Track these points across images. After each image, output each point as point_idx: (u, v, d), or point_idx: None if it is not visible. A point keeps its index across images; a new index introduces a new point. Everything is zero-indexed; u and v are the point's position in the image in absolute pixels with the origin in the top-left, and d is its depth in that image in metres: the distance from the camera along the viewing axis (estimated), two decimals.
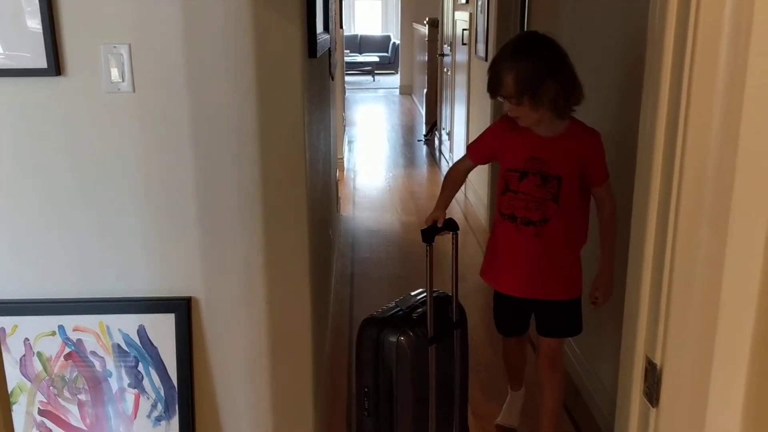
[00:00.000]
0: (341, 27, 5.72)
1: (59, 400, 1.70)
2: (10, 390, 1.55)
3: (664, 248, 0.83)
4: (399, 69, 11.61)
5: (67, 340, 1.66)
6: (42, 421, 1.70)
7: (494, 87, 1.87)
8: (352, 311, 3.29)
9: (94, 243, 1.63)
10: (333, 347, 2.78)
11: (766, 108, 0.68)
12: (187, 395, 1.69)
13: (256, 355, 1.71)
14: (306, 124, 1.66)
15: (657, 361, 0.85)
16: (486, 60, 4.23)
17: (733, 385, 0.73)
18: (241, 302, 1.68)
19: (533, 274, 1.97)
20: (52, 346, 1.67)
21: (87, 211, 1.61)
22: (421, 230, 1.93)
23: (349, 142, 7.28)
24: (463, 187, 5.17)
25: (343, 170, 5.91)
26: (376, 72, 12.83)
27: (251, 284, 1.67)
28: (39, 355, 1.67)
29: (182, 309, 1.66)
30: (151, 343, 1.67)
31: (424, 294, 1.94)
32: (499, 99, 1.89)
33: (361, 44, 13.61)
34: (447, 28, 6.18)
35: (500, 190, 1.98)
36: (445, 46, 6.25)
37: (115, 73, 1.52)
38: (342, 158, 5.94)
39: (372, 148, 7.36)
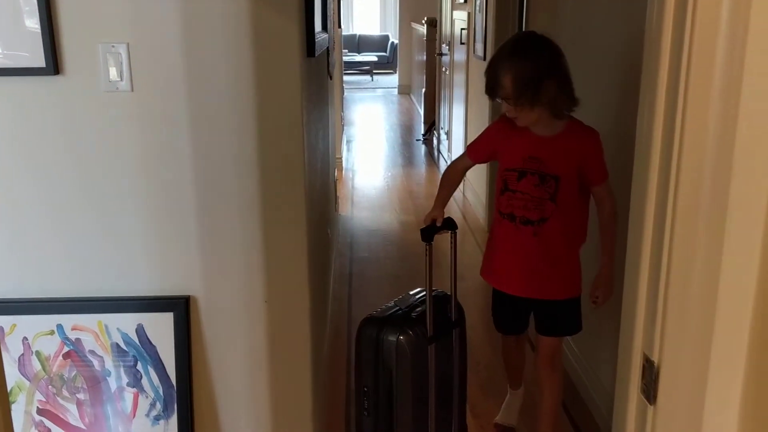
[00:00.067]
0: (339, 26, 5.72)
1: (58, 399, 1.70)
2: (8, 389, 1.55)
3: (661, 246, 0.84)
4: (397, 68, 11.61)
5: (65, 339, 1.66)
6: (41, 420, 1.70)
7: (492, 88, 1.87)
8: (350, 311, 3.29)
9: (92, 242, 1.63)
10: (332, 347, 2.78)
11: (763, 108, 0.69)
12: (185, 394, 1.69)
13: (255, 354, 1.72)
14: (304, 123, 1.66)
15: (654, 358, 0.85)
16: (484, 59, 4.23)
17: (731, 383, 0.73)
18: (240, 301, 1.68)
19: (532, 274, 1.98)
20: (50, 345, 1.67)
21: (85, 210, 1.61)
22: (421, 229, 1.93)
23: (348, 141, 7.28)
24: (461, 187, 5.18)
25: (342, 170, 5.91)
26: (374, 71, 12.83)
27: (250, 283, 1.67)
28: (38, 354, 1.67)
29: (181, 308, 1.66)
30: (150, 342, 1.67)
31: (423, 293, 1.94)
32: (498, 101, 1.89)
33: (359, 44, 13.61)
34: (445, 28, 6.19)
35: (499, 190, 1.98)
36: (444, 45, 6.26)
37: (113, 73, 1.52)
38: (340, 158, 5.94)
39: (370, 147, 7.36)
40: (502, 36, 3.83)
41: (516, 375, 2.29)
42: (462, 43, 5.14)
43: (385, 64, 13.09)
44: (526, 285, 2.00)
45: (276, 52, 1.54)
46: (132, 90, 1.54)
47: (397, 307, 1.92)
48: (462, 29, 5.15)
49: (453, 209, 4.76)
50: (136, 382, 1.69)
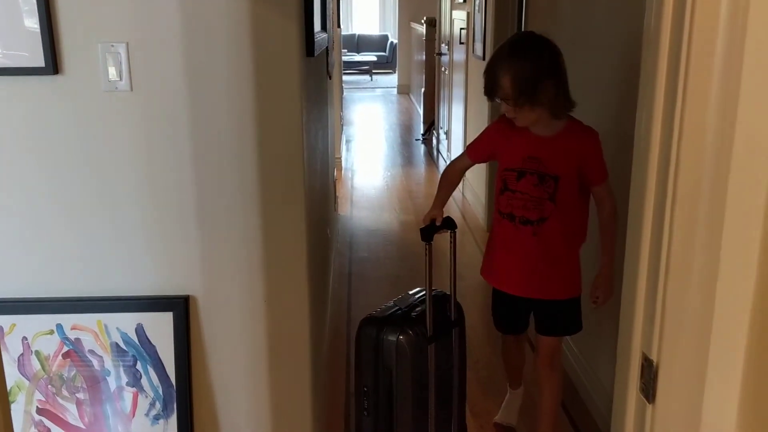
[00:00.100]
0: (339, 26, 5.72)
1: (57, 398, 1.70)
2: (8, 389, 1.55)
3: (659, 246, 0.84)
4: (397, 68, 11.61)
5: (65, 338, 1.66)
6: (40, 419, 1.70)
7: (491, 89, 1.87)
8: (350, 311, 3.29)
9: (91, 242, 1.63)
10: (331, 346, 2.78)
11: (761, 107, 0.69)
12: (185, 394, 1.69)
13: (255, 353, 1.72)
14: (304, 122, 1.66)
15: (653, 357, 0.85)
16: (483, 59, 4.23)
17: (729, 381, 0.74)
18: (240, 301, 1.68)
19: (531, 274, 1.98)
20: (50, 345, 1.67)
21: (84, 210, 1.61)
22: (420, 229, 1.93)
23: (347, 141, 7.29)
24: (460, 187, 5.19)
25: (341, 169, 5.92)
26: (373, 71, 12.83)
27: (249, 283, 1.67)
28: (37, 353, 1.67)
29: (180, 307, 1.66)
30: (150, 342, 1.67)
31: (423, 293, 1.95)
32: (497, 101, 1.89)
33: (358, 43, 13.61)
34: (445, 28, 6.19)
35: (498, 190, 1.98)
36: (443, 45, 6.26)
37: (112, 72, 1.52)
38: (340, 157, 5.94)
39: (370, 147, 7.37)
40: (501, 36, 3.83)
41: (515, 374, 2.29)
42: (461, 43, 5.14)
43: (385, 64, 13.10)
44: (525, 285, 2.00)
45: (275, 52, 1.55)
46: (131, 90, 1.54)
47: (397, 307, 1.92)
48: (461, 29, 5.15)
49: (452, 209, 4.76)
50: (135, 381, 1.69)
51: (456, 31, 5.39)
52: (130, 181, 1.60)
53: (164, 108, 1.56)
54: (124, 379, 1.69)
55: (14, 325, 1.65)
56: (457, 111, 5.41)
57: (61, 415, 1.70)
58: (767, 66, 0.68)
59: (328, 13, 2.73)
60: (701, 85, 0.75)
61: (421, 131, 7.52)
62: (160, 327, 1.66)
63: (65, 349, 1.67)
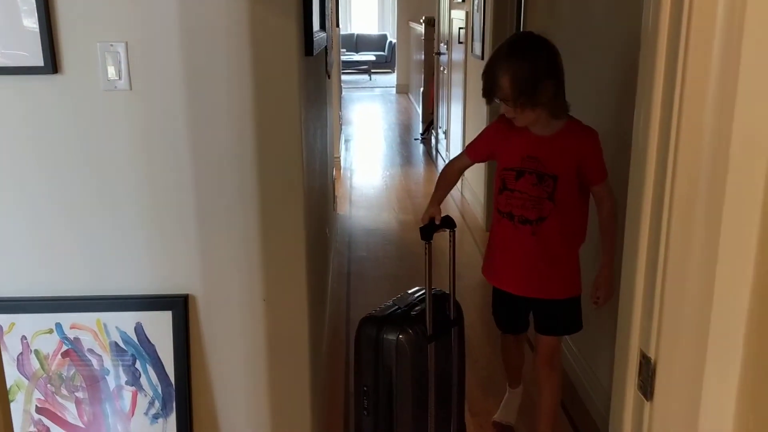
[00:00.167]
0: (338, 26, 5.72)
1: (57, 397, 1.70)
2: (7, 388, 1.55)
3: (657, 243, 0.84)
4: (395, 68, 11.61)
5: (64, 338, 1.67)
6: (39, 418, 1.70)
7: (490, 89, 1.86)
8: (348, 310, 3.29)
9: (90, 241, 1.63)
10: (330, 346, 2.78)
11: (759, 107, 0.69)
12: (184, 393, 1.70)
13: (254, 352, 1.72)
14: (303, 122, 1.66)
15: (651, 355, 0.86)
16: (482, 59, 4.23)
17: (727, 378, 0.74)
18: (239, 300, 1.68)
19: (531, 273, 1.98)
20: (49, 344, 1.67)
21: (84, 208, 1.61)
22: (420, 228, 1.94)
23: (346, 140, 7.29)
24: (459, 186, 5.19)
25: (340, 169, 5.92)
26: (372, 71, 12.83)
27: (248, 282, 1.67)
28: (36, 352, 1.67)
29: (179, 306, 1.66)
30: (149, 341, 1.67)
31: (422, 292, 1.95)
32: (496, 101, 1.89)
33: (357, 43, 13.61)
34: (443, 27, 6.19)
35: (497, 189, 1.98)
36: (442, 44, 6.26)
37: (111, 71, 1.53)
38: (339, 157, 5.94)
39: (369, 146, 7.37)
40: (500, 35, 3.84)
41: (515, 374, 2.29)
42: (460, 43, 5.15)
43: (384, 64, 13.09)
44: (525, 284, 2.00)
45: (274, 51, 1.55)
46: (130, 89, 1.54)
47: (396, 306, 1.92)
48: (460, 28, 5.15)
49: (451, 208, 4.77)
50: (134, 380, 1.69)
51: (455, 30, 5.40)
52: (129, 180, 1.60)
53: (163, 107, 1.56)
54: (123, 378, 1.69)
55: (13, 324, 1.65)
56: (456, 110, 5.41)
57: (60, 414, 1.70)
58: (764, 65, 0.68)
59: (326, 12, 2.73)
60: (699, 84, 0.76)
61: (420, 131, 7.52)
62: (160, 326, 1.67)
63: (64, 348, 1.67)
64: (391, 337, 1.82)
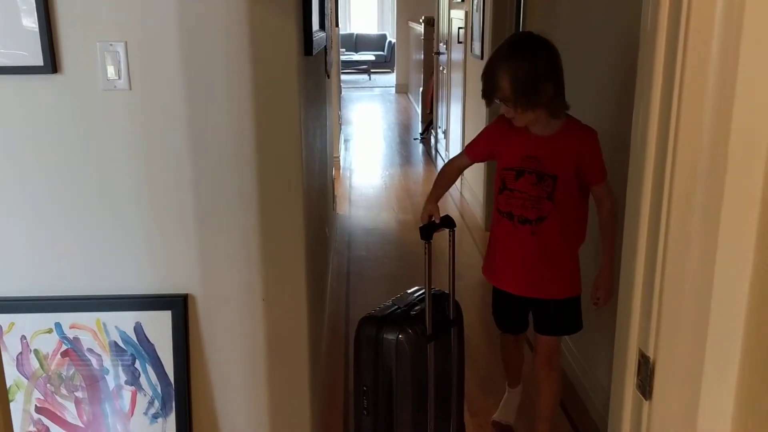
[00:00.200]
0: (337, 25, 5.72)
1: (56, 397, 1.70)
2: (7, 387, 1.55)
3: (656, 243, 0.84)
4: (395, 67, 11.61)
5: (64, 337, 1.67)
6: (39, 418, 1.70)
7: (490, 90, 1.86)
8: (348, 310, 3.29)
9: (90, 240, 1.63)
10: (329, 346, 2.79)
11: (756, 107, 0.69)
12: (183, 392, 1.70)
13: (253, 352, 1.72)
14: (302, 121, 1.66)
15: (650, 354, 0.86)
16: (482, 58, 4.23)
17: (725, 378, 0.74)
18: (238, 299, 1.68)
19: (530, 273, 1.98)
20: (49, 344, 1.67)
21: (83, 208, 1.61)
22: (420, 228, 1.94)
23: (346, 140, 7.29)
24: (459, 186, 5.19)
25: (340, 168, 5.92)
26: (372, 70, 12.83)
27: (248, 281, 1.67)
28: (36, 352, 1.67)
29: (179, 306, 1.66)
30: (148, 341, 1.68)
31: (421, 292, 1.95)
32: (496, 102, 1.88)
33: (357, 43, 13.61)
34: (443, 27, 6.19)
35: (497, 189, 1.98)
36: (441, 44, 6.26)
37: (111, 71, 1.53)
38: (338, 156, 5.94)
39: (368, 146, 7.37)
40: (499, 35, 3.84)
41: (514, 373, 2.29)
42: (459, 42, 5.15)
43: (383, 63, 13.09)
44: (524, 284, 2.01)
45: (274, 51, 1.55)
46: (130, 88, 1.54)
47: (396, 306, 1.92)
48: (459, 28, 5.15)
49: (451, 208, 4.77)
50: (134, 380, 1.69)
51: (454, 30, 5.40)
52: (129, 179, 1.60)
53: (163, 107, 1.56)
54: (123, 378, 1.69)
55: (13, 323, 1.65)
56: (456, 110, 5.42)
57: (59, 414, 1.71)
58: (762, 66, 0.68)
59: (326, 12, 2.73)
60: (697, 84, 0.76)
61: (420, 130, 7.52)
62: (159, 325, 1.67)
63: (64, 347, 1.67)
64: (391, 336, 1.82)
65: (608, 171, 1.92)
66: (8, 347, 1.66)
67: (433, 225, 1.94)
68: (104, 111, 1.56)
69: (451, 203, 4.92)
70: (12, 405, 1.69)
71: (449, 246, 1.98)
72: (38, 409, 1.70)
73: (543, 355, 2.08)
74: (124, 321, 1.66)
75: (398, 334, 1.82)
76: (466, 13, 4.87)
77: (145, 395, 1.70)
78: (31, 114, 1.56)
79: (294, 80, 1.58)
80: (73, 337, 1.67)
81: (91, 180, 1.60)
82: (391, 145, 7.31)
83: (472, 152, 2.09)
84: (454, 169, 2.15)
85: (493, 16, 4.04)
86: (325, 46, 2.80)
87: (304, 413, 1.80)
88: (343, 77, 9.54)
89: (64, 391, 1.70)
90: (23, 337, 1.66)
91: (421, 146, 7.14)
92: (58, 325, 1.66)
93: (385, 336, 1.83)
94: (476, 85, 2.03)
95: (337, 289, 3.47)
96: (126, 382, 1.69)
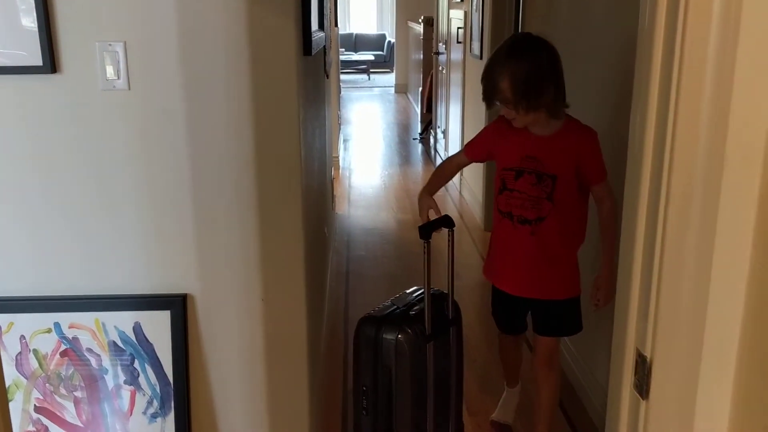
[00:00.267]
0: (336, 25, 5.72)
1: (55, 397, 1.70)
2: (6, 387, 1.55)
3: (653, 243, 0.84)
4: (394, 67, 11.61)
5: (63, 337, 1.67)
6: (38, 418, 1.71)
7: (490, 92, 1.85)
8: (347, 309, 3.29)
9: (89, 240, 1.63)
10: (328, 346, 2.79)
11: (754, 107, 0.70)
12: (182, 392, 1.70)
13: (252, 351, 1.72)
14: (301, 121, 1.66)
15: (647, 353, 0.86)
16: (481, 58, 4.24)
17: (722, 377, 0.74)
18: (237, 299, 1.68)
19: (530, 273, 1.98)
20: (48, 344, 1.67)
21: (82, 208, 1.61)
22: (419, 227, 1.94)
23: (345, 140, 7.29)
24: (458, 186, 5.19)
25: (339, 168, 5.92)
26: (371, 70, 12.83)
27: (247, 281, 1.67)
28: (35, 352, 1.67)
29: (178, 306, 1.66)
30: (147, 340, 1.68)
31: (420, 291, 1.95)
32: (496, 104, 1.88)
33: (356, 43, 13.61)
34: (442, 27, 6.19)
35: (497, 189, 1.98)
36: (441, 44, 6.26)
37: (110, 71, 1.53)
38: (337, 156, 5.94)
39: (367, 146, 7.37)
40: (498, 35, 3.84)
41: (513, 373, 2.29)
42: (459, 42, 5.15)
43: (382, 63, 13.10)
44: (524, 284, 2.00)
45: (273, 51, 1.55)
46: (129, 88, 1.55)
47: (395, 306, 1.92)
48: (459, 28, 5.15)
49: (450, 208, 4.77)
50: (133, 379, 1.70)
51: (453, 30, 5.40)
52: (127, 179, 1.60)
53: (162, 107, 1.56)
54: (122, 378, 1.69)
55: (12, 323, 1.65)
56: (455, 110, 5.42)
57: (58, 414, 1.71)
58: (759, 65, 0.69)
59: (325, 12, 2.73)
60: (694, 84, 0.76)
61: (419, 130, 7.52)
62: (158, 325, 1.67)
63: (63, 347, 1.67)
64: (390, 336, 1.83)
65: (608, 171, 1.92)
66: (7, 347, 1.66)
67: (433, 223, 1.94)
68: (103, 111, 1.56)
69: (450, 203, 4.92)
70: (11, 404, 1.69)
71: (448, 246, 1.99)
72: (37, 409, 1.70)
73: (542, 355, 2.08)
74: (123, 321, 1.66)
75: (397, 334, 1.82)
76: (466, 13, 4.88)
77: (144, 395, 1.70)
78: (30, 114, 1.56)
79: (293, 80, 1.58)
80: (72, 337, 1.67)
81: (90, 180, 1.60)
82: (390, 145, 7.32)
83: (470, 151, 2.09)
84: (453, 166, 2.15)
85: (492, 16, 4.04)
86: (325, 46, 2.80)
87: (302, 413, 1.80)
88: (343, 77, 9.55)
89: (63, 390, 1.70)
90: (22, 337, 1.66)
91: (420, 146, 7.15)
92: (57, 325, 1.66)
93: (384, 336, 1.83)
94: (475, 85, 2.03)
95: (336, 289, 3.47)
96: (125, 382, 1.70)
